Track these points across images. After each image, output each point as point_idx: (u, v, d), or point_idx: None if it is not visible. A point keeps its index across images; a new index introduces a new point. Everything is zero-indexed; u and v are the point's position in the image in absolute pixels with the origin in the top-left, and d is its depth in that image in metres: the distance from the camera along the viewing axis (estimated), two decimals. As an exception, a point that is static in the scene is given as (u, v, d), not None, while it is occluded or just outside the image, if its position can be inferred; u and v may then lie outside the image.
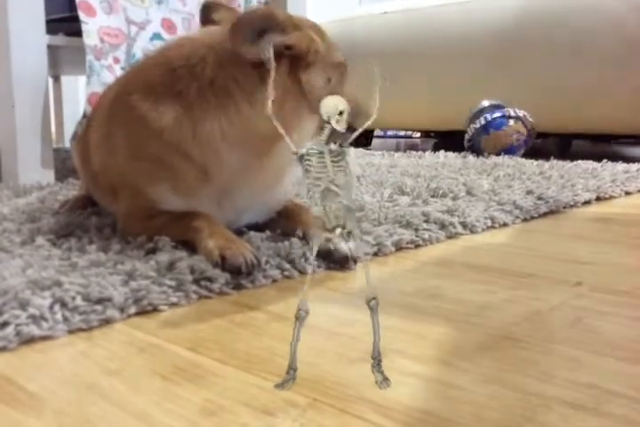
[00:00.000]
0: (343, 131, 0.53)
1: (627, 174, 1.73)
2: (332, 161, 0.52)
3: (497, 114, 2.33)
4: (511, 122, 2.31)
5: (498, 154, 2.27)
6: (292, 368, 0.51)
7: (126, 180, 0.94)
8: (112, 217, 1.08)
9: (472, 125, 2.36)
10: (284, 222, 0.97)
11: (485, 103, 2.39)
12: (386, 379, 0.51)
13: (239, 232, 0.94)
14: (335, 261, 0.87)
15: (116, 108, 0.96)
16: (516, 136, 2.30)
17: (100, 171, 1.03)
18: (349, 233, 0.53)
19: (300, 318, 0.52)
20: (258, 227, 0.98)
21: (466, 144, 2.40)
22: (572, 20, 2.41)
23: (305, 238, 0.91)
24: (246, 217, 0.98)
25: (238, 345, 0.60)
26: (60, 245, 0.89)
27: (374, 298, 0.52)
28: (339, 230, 0.52)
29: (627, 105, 2.28)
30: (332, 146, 0.52)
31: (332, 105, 0.53)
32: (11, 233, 0.96)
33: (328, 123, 0.52)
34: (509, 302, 0.73)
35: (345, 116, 0.53)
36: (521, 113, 2.32)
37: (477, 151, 2.34)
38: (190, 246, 0.86)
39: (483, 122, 2.32)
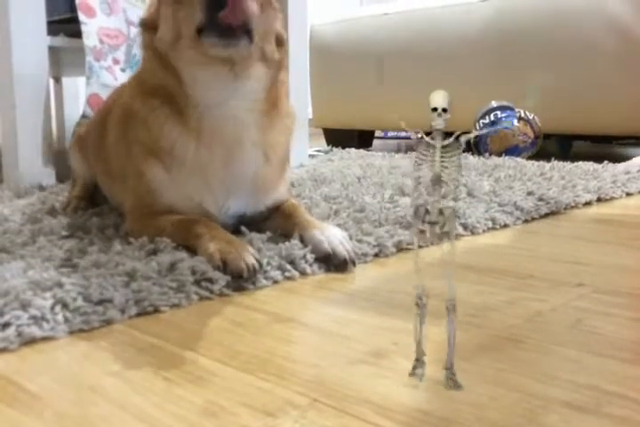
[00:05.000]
0: (440, 128, 0.51)
1: (627, 175, 1.73)
2: (442, 156, 0.51)
3: (507, 113, 2.33)
4: (520, 123, 2.31)
5: (502, 153, 2.28)
6: None
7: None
8: (113, 218, 1.08)
9: (481, 121, 2.36)
10: (282, 223, 0.98)
11: (494, 104, 2.40)
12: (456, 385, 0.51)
13: (241, 233, 0.94)
14: (334, 264, 0.87)
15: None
16: (523, 138, 2.30)
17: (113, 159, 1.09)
18: (445, 233, 0.53)
19: None
20: (258, 228, 0.98)
21: (472, 140, 2.40)
22: (573, 21, 2.41)
23: (302, 241, 0.91)
24: (234, 204, 0.96)
25: (239, 346, 0.60)
26: (62, 246, 0.89)
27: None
28: (435, 228, 0.52)
29: (628, 106, 2.28)
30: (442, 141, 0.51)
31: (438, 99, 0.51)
32: (12, 234, 0.96)
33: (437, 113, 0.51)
34: (510, 303, 0.73)
35: (444, 115, 0.51)
36: (531, 116, 2.32)
37: (482, 148, 2.34)
38: (192, 251, 0.86)
39: (492, 118, 2.33)
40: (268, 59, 0.93)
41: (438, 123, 0.50)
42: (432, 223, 0.52)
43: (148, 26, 0.94)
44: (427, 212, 0.53)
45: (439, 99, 0.51)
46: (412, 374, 0.52)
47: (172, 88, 0.93)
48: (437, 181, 0.51)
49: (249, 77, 0.92)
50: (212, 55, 0.88)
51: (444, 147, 0.51)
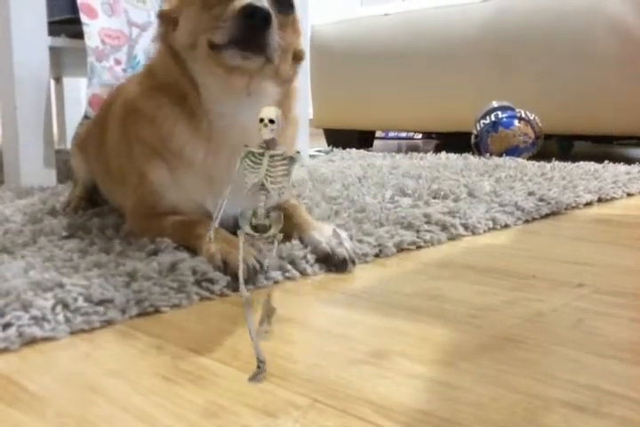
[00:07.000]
0: (267, 138, 0.56)
1: (628, 176, 1.73)
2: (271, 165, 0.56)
3: (508, 113, 2.34)
4: (521, 123, 2.32)
5: (502, 153, 2.28)
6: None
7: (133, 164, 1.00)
8: (114, 218, 1.08)
9: (482, 121, 2.36)
10: None
11: (495, 104, 2.40)
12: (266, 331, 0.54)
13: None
14: (334, 264, 0.87)
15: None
16: (523, 138, 2.31)
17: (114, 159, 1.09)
18: (271, 237, 0.57)
19: None
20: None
21: (472, 140, 2.40)
22: (573, 21, 2.41)
23: (302, 242, 0.91)
24: (235, 204, 0.96)
25: (240, 346, 0.61)
26: (62, 247, 0.89)
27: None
28: (265, 234, 0.56)
29: (628, 106, 2.28)
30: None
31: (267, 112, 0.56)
32: (13, 234, 0.96)
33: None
34: (511, 303, 0.73)
35: (271, 126, 0.56)
36: (532, 116, 2.33)
37: (483, 148, 2.34)
38: (193, 251, 0.86)
39: (493, 118, 2.33)
40: (282, 76, 0.93)
41: (265, 132, 0.56)
42: (258, 226, 0.56)
43: (166, 19, 0.93)
44: (254, 214, 0.56)
45: (268, 111, 0.56)
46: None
47: (184, 88, 0.92)
48: (261, 187, 0.56)
49: (261, 93, 0.91)
50: (229, 65, 0.85)
51: (271, 156, 0.56)
